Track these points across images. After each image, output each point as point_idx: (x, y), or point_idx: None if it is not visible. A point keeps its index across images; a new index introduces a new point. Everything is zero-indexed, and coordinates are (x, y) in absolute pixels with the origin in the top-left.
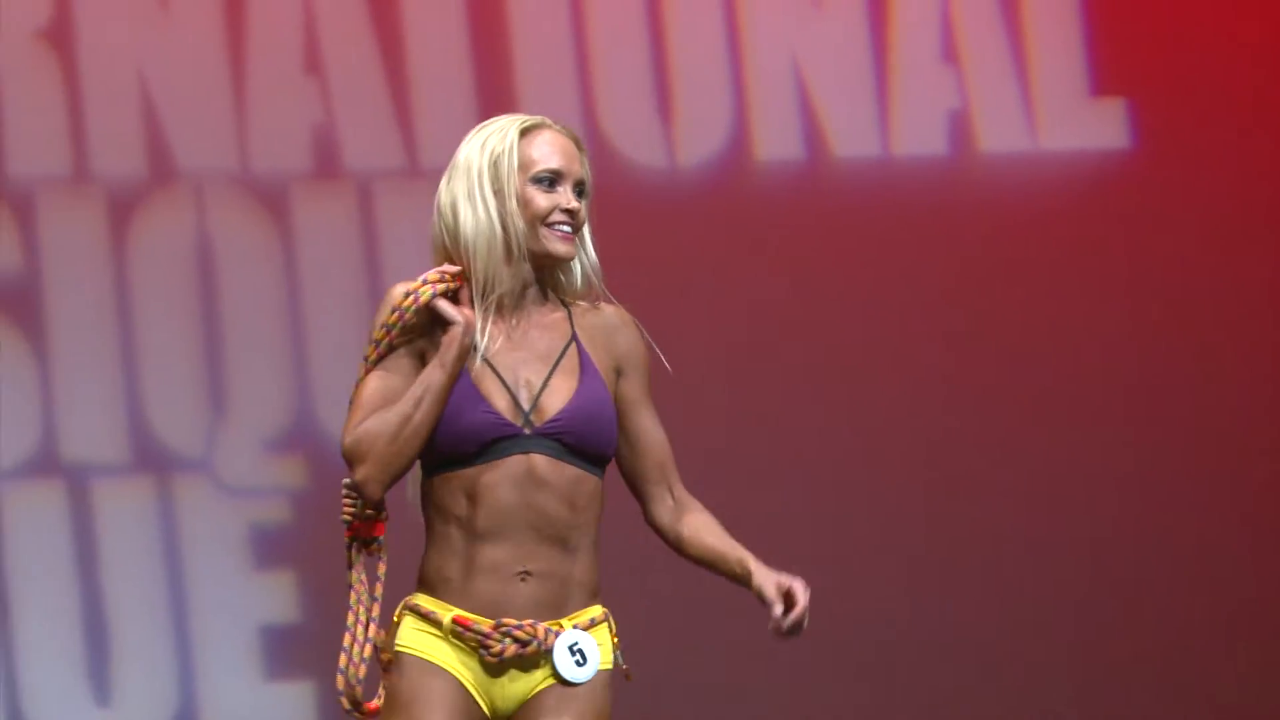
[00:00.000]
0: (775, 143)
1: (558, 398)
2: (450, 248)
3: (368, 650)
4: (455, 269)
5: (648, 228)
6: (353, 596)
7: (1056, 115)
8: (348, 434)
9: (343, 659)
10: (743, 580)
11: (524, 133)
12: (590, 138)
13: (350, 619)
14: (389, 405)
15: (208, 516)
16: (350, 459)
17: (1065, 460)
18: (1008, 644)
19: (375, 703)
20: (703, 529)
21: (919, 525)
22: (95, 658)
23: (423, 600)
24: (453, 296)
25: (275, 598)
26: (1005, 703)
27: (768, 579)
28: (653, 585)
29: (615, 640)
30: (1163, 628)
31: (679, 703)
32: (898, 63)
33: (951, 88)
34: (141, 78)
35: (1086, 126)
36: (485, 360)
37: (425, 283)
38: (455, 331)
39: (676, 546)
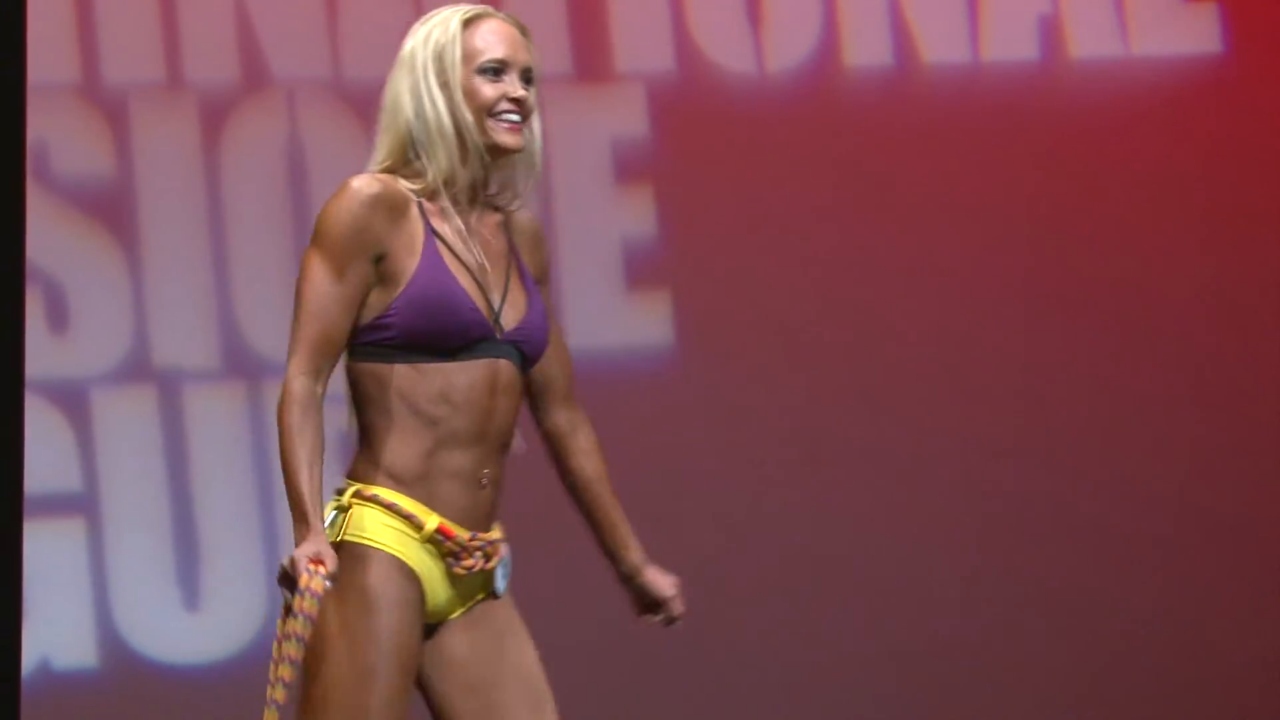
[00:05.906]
0: (864, 49)
1: (516, 308)
2: (403, 142)
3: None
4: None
5: (736, 135)
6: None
7: (1148, 20)
8: (289, 376)
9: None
10: (625, 563)
11: (467, 23)
12: (679, 44)
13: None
14: (328, 340)
15: None
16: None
17: (1155, 379)
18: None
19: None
20: (594, 478)
21: (1018, 428)
22: (185, 563)
23: (397, 498)
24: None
25: None
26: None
27: (659, 576)
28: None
29: None
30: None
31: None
32: None
33: None
34: None
35: (1178, 31)
36: (458, 257)
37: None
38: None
39: (562, 468)
